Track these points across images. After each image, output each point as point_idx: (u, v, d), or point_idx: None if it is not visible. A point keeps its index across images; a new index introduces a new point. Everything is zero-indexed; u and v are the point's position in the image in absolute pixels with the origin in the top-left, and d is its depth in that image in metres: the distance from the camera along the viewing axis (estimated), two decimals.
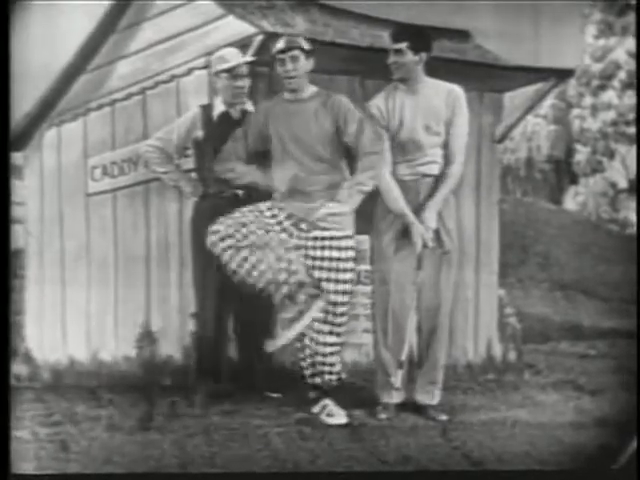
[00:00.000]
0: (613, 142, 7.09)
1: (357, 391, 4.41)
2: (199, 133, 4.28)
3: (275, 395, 4.36)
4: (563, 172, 7.43)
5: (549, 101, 6.93)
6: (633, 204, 6.71)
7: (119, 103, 5.01)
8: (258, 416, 4.07)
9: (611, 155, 7.13)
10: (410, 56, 3.98)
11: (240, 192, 4.21)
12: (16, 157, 5.00)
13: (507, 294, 5.36)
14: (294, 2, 4.97)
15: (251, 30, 4.54)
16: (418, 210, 4.02)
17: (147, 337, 4.76)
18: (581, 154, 7.29)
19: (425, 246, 3.99)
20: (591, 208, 7.20)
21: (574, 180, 7.38)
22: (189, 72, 4.80)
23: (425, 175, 4.05)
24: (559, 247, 6.62)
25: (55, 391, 4.36)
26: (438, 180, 4.05)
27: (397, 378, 4.06)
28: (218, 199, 4.22)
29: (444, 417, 4.10)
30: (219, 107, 4.29)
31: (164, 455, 3.57)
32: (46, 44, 4.52)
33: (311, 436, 3.82)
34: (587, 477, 3.69)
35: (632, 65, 6.68)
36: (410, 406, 4.16)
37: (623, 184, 7.05)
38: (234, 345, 4.40)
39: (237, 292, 4.25)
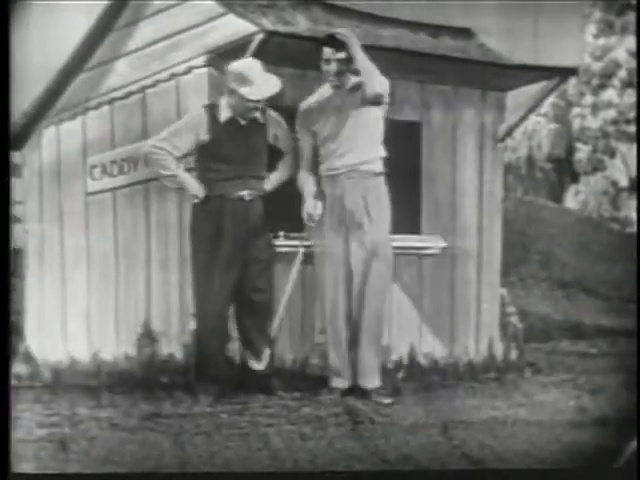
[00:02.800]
0: (614, 141, 7.10)
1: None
2: (205, 137, 4.17)
3: (276, 394, 4.35)
4: (564, 171, 7.43)
5: (550, 100, 6.93)
6: (634, 202, 6.71)
7: (118, 102, 5.00)
8: (259, 415, 4.07)
9: (612, 154, 7.13)
10: (344, 58, 4.09)
11: (244, 194, 4.20)
12: (15, 156, 4.99)
13: (508, 293, 5.35)
14: (295, 1, 4.95)
15: (251, 29, 4.50)
16: (340, 200, 4.15)
17: (148, 336, 4.75)
18: (582, 153, 7.30)
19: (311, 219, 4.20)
20: (592, 206, 7.20)
21: (575, 179, 7.38)
22: (189, 71, 4.78)
23: (342, 167, 4.15)
24: (560, 246, 6.62)
25: (55, 391, 4.35)
26: None
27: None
28: (221, 201, 4.20)
29: (388, 400, 4.17)
30: (226, 112, 4.18)
31: (164, 455, 3.57)
32: (46, 44, 4.52)
33: (311, 435, 3.82)
34: (587, 476, 3.68)
35: (632, 64, 6.68)
36: (356, 391, 4.22)
37: (624, 182, 7.06)
38: (235, 344, 4.40)
39: (237, 291, 4.26)
